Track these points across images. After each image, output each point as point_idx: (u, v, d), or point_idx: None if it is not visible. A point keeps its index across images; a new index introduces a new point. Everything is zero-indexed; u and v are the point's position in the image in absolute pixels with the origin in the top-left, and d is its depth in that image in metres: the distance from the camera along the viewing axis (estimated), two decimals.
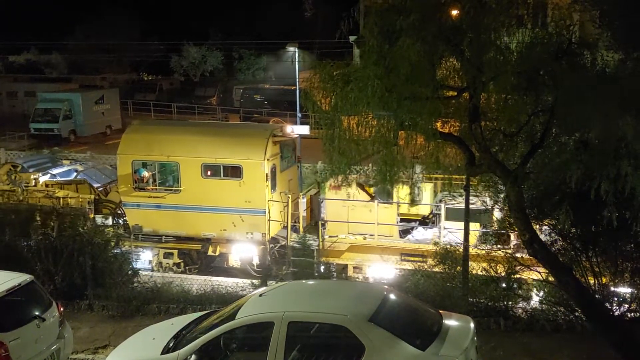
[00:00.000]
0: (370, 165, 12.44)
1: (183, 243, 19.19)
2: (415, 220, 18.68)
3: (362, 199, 18.05)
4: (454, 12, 9.99)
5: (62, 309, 11.33)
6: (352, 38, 30.62)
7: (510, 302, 13.02)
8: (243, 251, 18.73)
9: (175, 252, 19.20)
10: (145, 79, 65.68)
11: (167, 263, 19.24)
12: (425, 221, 18.75)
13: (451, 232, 16.24)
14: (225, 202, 18.38)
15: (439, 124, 11.17)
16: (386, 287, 10.53)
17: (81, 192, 20.78)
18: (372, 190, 18.55)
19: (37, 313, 10.65)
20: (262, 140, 18.45)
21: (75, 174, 22.61)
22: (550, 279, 11.94)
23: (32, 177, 21.07)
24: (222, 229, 18.69)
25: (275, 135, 18.75)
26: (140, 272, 16.12)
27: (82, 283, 14.71)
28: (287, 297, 10.01)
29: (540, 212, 11.54)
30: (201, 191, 18.62)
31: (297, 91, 32.36)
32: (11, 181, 20.56)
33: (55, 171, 22.33)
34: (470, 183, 13.15)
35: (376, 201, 17.72)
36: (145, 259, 19.28)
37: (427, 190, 18.57)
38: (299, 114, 34.57)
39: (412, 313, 9.59)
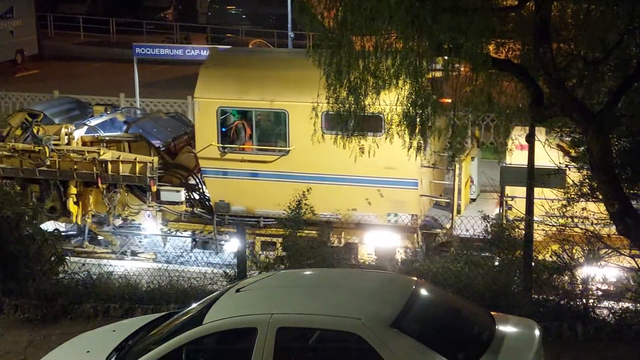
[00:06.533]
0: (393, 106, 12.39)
1: (290, 228, 18.56)
2: None
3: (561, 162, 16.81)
4: None
5: None
6: None
7: (592, 301, 13.10)
8: (381, 240, 18.25)
9: (279, 241, 18.28)
10: None
11: (267, 257, 18.69)
12: None
13: None
14: (355, 169, 17.57)
15: (491, 47, 11.11)
16: (415, 279, 10.60)
17: (136, 152, 19.80)
18: (575, 150, 17.41)
19: None
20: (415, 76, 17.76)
21: (125, 126, 21.28)
22: None
23: (63, 130, 19.84)
24: (350, 208, 18.31)
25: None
26: (68, 258, 16.18)
27: None
28: (276, 294, 10.08)
29: (635, 173, 11.55)
30: (320, 153, 17.68)
31: (289, 0, 32.14)
32: (34, 137, 19.55)
33: (93, 122, 20.87)
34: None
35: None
36: (230, 250, 18.66)
37: None
38: (290, 34, 34.36)
39: (452, 315, 9.66)
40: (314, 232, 18.00)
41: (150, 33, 49.48)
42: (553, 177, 13.99)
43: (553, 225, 14.28)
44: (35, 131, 19.56)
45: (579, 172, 13.52)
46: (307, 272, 12.45)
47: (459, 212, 18.28)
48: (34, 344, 13.31)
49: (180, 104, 30.19)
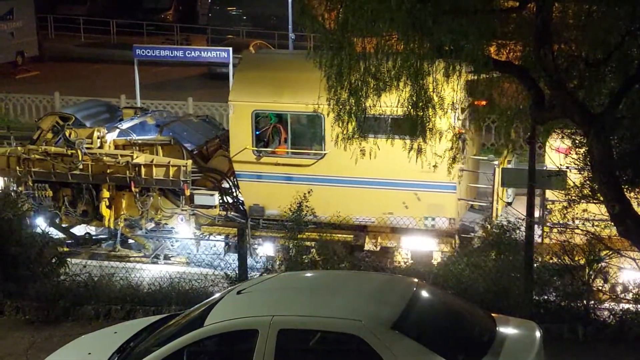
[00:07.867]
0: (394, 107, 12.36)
1: (325, 232, 18.51)
2: None
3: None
4: None
5: None
6: None
7: (592, 302, 13.11)
8: (418, 245, 18.09)
9: (314, 245, 17.83)
10: None
11: (302, 261, 18.41)
12: None
13: None
14: (392, 173, 17.56)
15: (492, 49, 11.12)
16: (416, 280, 10.61)
17: (169, 156, 19.60)
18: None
19: None
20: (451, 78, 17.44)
21: (155, 129, 20.91)
22: None
23: (95, 134, 19.61)
24: (386, 212, 17.98)
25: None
26: (69, 260, 16.20)
27: None
28: (277, 295, 10.10)
29: (636, 175, 11.55)
30: (356, 156, 17.94)
31: (290, 1, 32.17)
32: (66, 140, 19.31)
33: (125, 125, 20.58)
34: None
35: None
36: (263, 253, 18.48)
37: None
38: (291, 35, 34.38)
39: (453, 317, 9.68)
40: (350, 235, 18.03)
41: (151, 34, 49.52)
42: (554, 179, 14.01)
43: (554, 226, 14.31)
44: (67, 134, 19.37)
45: (579, 173, 13.54)
46: (308, 274, 12.48)
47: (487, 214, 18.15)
48: (36, 346, 13.33)
49: (181, 105, 30.16)
